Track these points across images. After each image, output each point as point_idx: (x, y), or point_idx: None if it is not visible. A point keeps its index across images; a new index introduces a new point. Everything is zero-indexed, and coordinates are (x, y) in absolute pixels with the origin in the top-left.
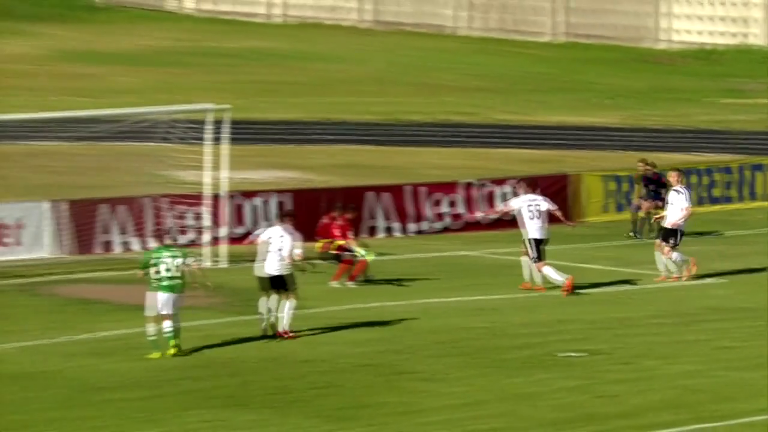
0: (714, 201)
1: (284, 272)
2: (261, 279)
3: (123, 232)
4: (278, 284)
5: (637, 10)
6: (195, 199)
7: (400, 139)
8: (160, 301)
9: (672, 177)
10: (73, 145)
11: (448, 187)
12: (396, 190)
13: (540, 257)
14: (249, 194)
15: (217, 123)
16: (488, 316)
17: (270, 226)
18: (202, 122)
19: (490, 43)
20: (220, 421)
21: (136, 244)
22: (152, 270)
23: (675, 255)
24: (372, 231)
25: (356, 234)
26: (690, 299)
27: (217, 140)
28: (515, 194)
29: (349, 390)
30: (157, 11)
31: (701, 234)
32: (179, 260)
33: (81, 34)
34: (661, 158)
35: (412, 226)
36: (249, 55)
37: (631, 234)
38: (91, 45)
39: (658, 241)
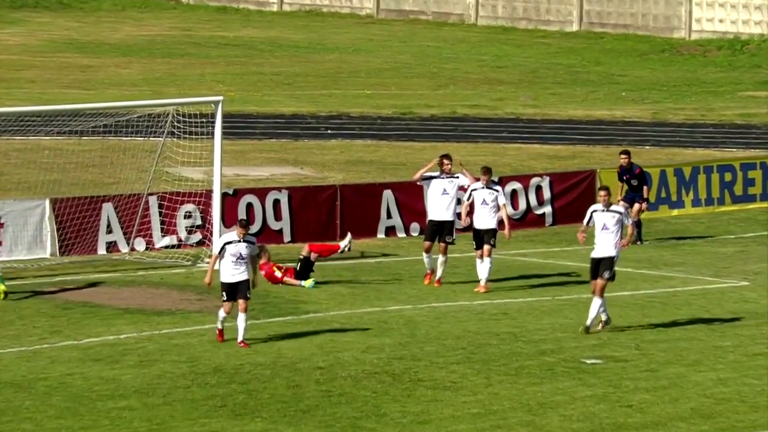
0: (750, 199)
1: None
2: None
3: (126, 231)
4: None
5: None
6: (200, 196)
7: (417, 135)
8: None
9: (483, 177)
10: (72, 140)
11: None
12: (413, 188)
13: None
14: (259, 192)
15: (223, 117)
16: (509, 321)
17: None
18: (206, 116)
19: (512, 32)
20: (230, 430)
21: (140, 245)
22: None
23: (489, 260)
24: (389, 231)
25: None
26: (719, 303)
27: (223, 134)
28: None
29: (365, 398)
30: None
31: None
32: None
33: (71, 22)
34: (697, 154)
35: None
36: (256, 45)
37: None
38: (84, 35)
39: (485, 247)
